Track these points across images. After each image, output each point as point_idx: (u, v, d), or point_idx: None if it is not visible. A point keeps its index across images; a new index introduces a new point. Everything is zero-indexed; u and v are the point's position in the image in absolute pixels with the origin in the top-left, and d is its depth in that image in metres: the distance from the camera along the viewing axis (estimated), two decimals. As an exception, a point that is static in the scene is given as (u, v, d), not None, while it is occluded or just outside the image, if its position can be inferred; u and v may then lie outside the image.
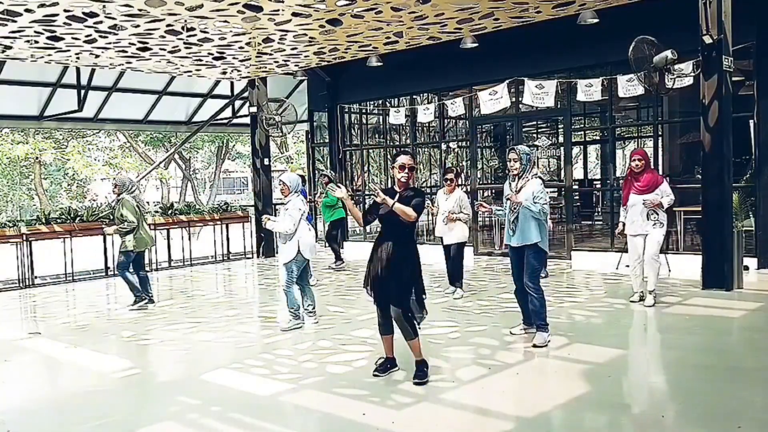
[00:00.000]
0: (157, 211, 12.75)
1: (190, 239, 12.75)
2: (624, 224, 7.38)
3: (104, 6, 7.94)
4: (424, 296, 5.07)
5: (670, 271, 9.41)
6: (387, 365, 5.18)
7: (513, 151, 5.90)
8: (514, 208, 5.85)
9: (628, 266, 7.93)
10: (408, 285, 4.91)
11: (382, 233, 5.03)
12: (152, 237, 8.85)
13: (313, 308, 7.13)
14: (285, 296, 6.88)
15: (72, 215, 10.98)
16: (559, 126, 15.46)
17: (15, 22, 8.41)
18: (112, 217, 9.85)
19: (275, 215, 6.94)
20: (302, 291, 7.05)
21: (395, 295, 4.88)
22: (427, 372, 4.99)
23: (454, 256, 8.35)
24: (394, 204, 4.79)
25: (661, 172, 11.75)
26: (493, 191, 14.08)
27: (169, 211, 12.53)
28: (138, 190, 8.53)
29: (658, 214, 7.16)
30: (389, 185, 15.42)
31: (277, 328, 6.96)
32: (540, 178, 5.91)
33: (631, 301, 7.50)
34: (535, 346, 5.77)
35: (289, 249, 6.75)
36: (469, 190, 12.46)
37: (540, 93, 10.62)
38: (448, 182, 8.32)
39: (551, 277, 9.54)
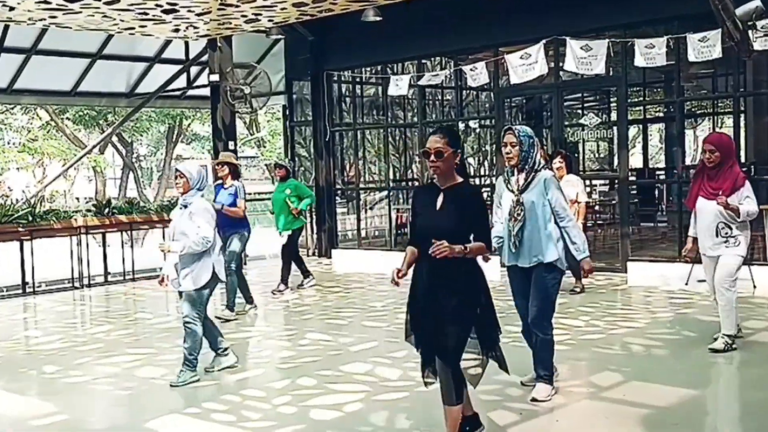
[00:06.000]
0: (89, 210, 12.75)
1: (132, 246, 12.76)
2: (694, 239, 6.80)
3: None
4: (499, 331, 4.71)
5: (755, 287, 9.39)
6: (466, 428, 4.65)
7: (510, 133, 5.47)
8: (518, 215, 5.41)
9: (701, 281, 7.88)
10: (469, 323, 4.53)
11: (422, 255, 4.54)
12: None
13: (226, 346, 6.74)
14: (187, 336, 6.33)
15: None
16: (612, 99, 15.50)
17: None
18: None
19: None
20: (204, 327, 6.48)
21: (451, 340, 4.45)
22: None
23: None
24: (467, 251, 4.39)
25: (743, 159, 11.78)
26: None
27: (105, 210, 12.53)
28: None
29: (731, 229, 6.48)
30: (400, 175, 15.42)
31: (246, 358, 6.96)
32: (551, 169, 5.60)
33: (712, 350, 6.61)
34: (534, 400, 5.46)
35: (199, 270, 6.27)
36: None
37: (587, 57, 10.63)
38: None
39: (601, 295, 9.55)
